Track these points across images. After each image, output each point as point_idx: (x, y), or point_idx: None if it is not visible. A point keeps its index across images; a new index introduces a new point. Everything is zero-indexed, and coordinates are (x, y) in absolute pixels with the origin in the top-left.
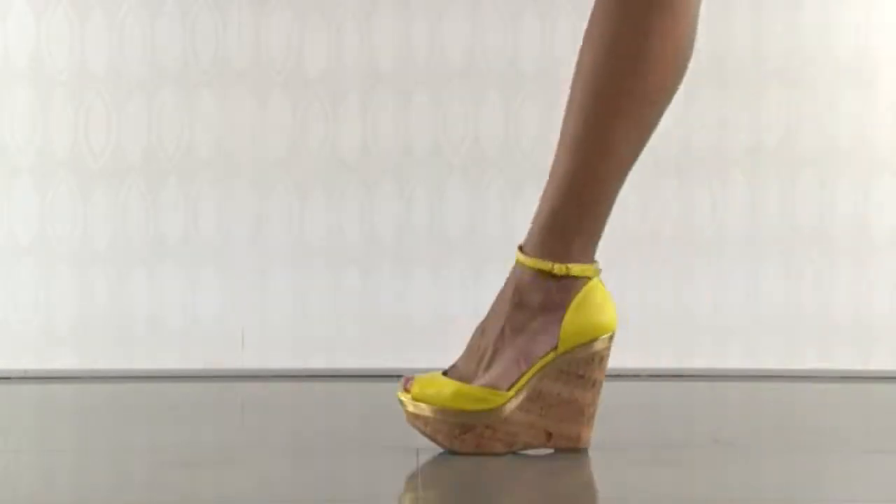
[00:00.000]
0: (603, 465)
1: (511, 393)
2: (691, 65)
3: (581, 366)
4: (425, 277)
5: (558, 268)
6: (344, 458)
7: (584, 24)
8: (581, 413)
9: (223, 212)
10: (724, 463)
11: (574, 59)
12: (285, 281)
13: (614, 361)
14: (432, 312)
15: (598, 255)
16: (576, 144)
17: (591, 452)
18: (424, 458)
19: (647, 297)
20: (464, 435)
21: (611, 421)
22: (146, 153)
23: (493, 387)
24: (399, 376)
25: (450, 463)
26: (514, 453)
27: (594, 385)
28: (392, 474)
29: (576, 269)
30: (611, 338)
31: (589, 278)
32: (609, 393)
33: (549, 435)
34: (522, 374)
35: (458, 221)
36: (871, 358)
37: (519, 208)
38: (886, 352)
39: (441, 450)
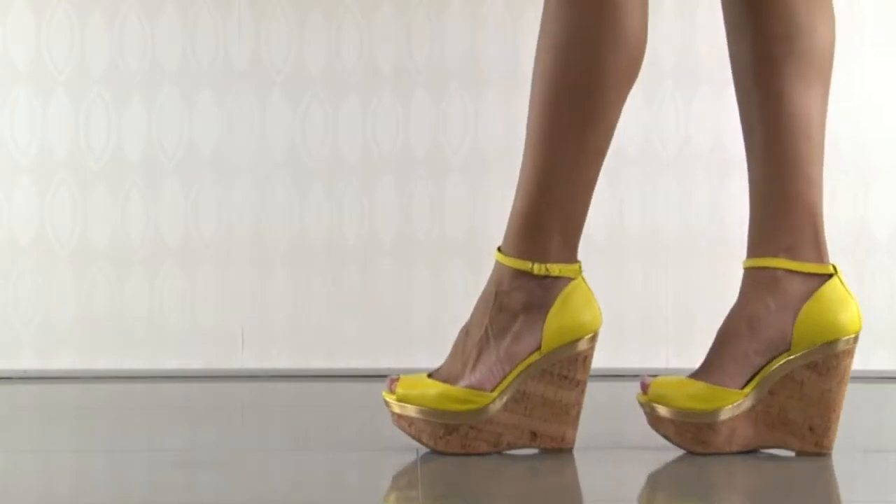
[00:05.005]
0: (602, 465)
1: (495, 394)
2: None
3: (565, 366)
4: (425, 277)
5: (537, 267)
6: (344, 459)
7: None
8: (566, 413)
9: (223, 212)
10: (724, 463)
11: None
12: (285, 281)
13: (615, 361)
14: (432, 312)
15: (598, 255)
16: (540, 142)
17: (589, 452)
18: (424, 458)
19: (647, 297)
20: (448, 435)
21: (610, 421)
22: (146, 153)
23: (477, 388)
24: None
25: (450, 462)
26: (499, 453)
27: (578, 385)
28: (391, 474)
29: (555, 268)
30: (593, 338)
31: (571, 278)
32: (609, 393)
33: (534, 435)
34: (506, 376)
35: (458, 221)
36: (871, 358)
37: None
38: (886, 352)
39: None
